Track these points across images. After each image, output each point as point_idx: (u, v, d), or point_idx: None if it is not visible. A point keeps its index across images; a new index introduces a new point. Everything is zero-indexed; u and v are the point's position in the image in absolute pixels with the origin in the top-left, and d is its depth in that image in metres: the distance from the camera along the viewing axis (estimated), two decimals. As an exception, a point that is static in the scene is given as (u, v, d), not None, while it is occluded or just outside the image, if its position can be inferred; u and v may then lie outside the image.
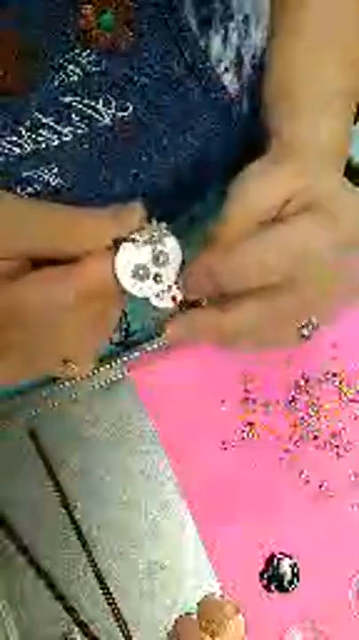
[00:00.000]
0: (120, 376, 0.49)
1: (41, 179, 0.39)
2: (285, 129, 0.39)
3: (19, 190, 0.40)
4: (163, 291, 0.32)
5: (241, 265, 0.31)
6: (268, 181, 0.33)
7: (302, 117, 0.39)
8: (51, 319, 0.30)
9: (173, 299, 0.33)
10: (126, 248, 0.30)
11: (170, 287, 0.32)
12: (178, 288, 0.32)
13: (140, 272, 0.30)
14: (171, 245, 0.31)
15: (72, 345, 0.32)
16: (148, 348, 0.49)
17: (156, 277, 0.31)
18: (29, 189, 0.40)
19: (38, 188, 0.40)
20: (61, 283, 0.29)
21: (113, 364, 0.48)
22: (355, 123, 0.53)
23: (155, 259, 0.31)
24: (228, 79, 0.42)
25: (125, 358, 0.49)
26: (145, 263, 0.31)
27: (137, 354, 0.49)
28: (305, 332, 0.35)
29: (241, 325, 0.33)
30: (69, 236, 0.29)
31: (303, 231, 0.31)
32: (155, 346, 0.48)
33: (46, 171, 0.39)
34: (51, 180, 0.40)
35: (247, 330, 0.33)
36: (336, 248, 0.31)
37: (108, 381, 0.48)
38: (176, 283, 0.32)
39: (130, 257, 0.30)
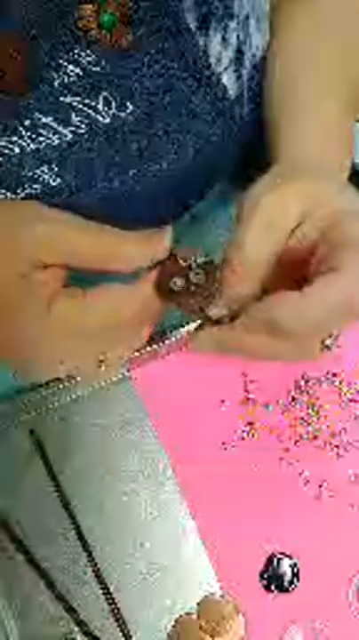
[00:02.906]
0: (120, 376, 0.49)
1: (41, 178, 0.39)
2: (292, 143, 0.39)
3: (19, 190, 0.40)
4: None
5: (306, 322, 0.31)
6: (280, 203, 0.32)
7: (311, 130, 0.40)
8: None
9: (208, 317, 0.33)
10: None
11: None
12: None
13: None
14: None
15: (109, 348, 0.34)
16: (149, 349, 0.49)
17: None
18: (29, 189, 0.40)
19: (38, 188, 0.40)
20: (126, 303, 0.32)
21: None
22: (354, 123, 0.54)
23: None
24: (228, 78, 0.42)
25: (126, 358, 0.49)
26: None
27: (137, 354, 0.49)
28: (328, 342, 0.35)
29: (268, 349, 0.33)
30: (115, 257, 0.32)
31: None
32: (156, 346, 0.48)
33: (46, 170, 0.39)
34: (51, 179, 0.40)
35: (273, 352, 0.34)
36: None
37: (108, 381, 0.48)
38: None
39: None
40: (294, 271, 0.33)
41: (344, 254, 0.31)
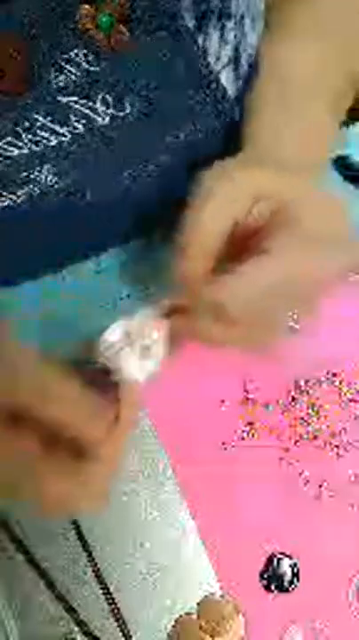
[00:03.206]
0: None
1: (39, 179, 0.39)
2: (261, 134, 0.39)
3: (18, 191, 0.40)
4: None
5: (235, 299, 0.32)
6: (234, 184, 0.33)
7: (279, 125, 0.40)
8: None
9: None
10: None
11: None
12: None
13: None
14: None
15: None
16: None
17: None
18: (28, 190, 0.40)
19: (37, 189, 0.40)
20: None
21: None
22: (354, 123, 0.54)
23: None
24: (226, 77, 0.42)
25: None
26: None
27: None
28: (293, 324, 0.36)
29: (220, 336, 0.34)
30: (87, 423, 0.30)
31: (290, 264, 0.32)
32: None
33: (45, 171, 0.39)
34: (49, 180, 0.40)
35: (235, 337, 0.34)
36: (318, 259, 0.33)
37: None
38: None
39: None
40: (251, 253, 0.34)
41: (279, 237, 0.32)
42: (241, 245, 0.34)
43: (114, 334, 0.33)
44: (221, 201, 0.33)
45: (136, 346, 0.33)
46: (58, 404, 0.30)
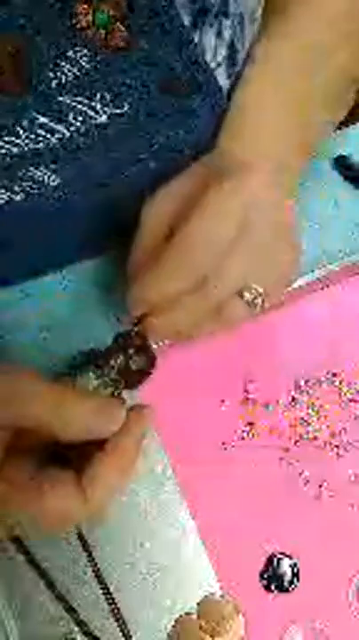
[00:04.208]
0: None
1: (39, 178, 0.39)
2: (240, 134, 0.41)
3: (16, 189, 0.40)
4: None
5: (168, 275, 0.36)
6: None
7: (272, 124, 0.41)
8: None
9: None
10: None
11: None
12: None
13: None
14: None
15: None
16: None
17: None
18: (27, 189, 0.40)
19: (35, 188, 0.40)
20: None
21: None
22: (354, 123, 0.54)
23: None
24: (221, 74, 0.41)
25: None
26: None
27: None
28: (249, 299, 0.37)
29: (177, 322, 0.37)
30: (54, 417, 0.31)
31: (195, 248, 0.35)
32: (155, 346, 0.48)
33: (44, 170, 0.39)
34: (48, 179, 0.40)
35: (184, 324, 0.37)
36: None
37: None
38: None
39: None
40: None
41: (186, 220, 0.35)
42: None
43: None
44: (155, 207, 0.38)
45: None
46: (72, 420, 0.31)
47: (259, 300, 0.37)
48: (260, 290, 0.37)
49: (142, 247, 0.38)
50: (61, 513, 0.31)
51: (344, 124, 0.51)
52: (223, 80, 0.42)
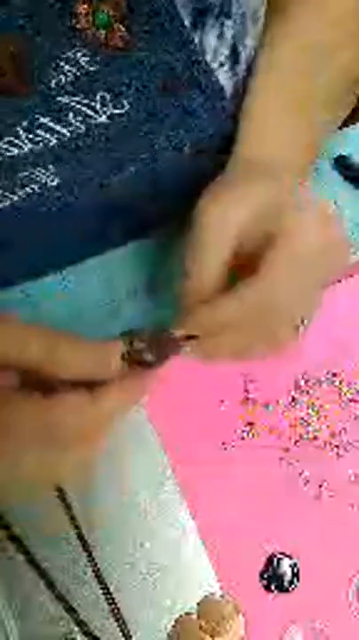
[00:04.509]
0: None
1: (39, 179, 0.39)
2: (249, 141, 0.41)
3: (17, 190, 0.40)
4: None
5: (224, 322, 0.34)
6: (234, 209, 0.35)
7: (267, 130, 0.41)
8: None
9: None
10: None
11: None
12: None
13: None
14: None
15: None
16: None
17: None
18: (27, 190, 0.40)
19: (36, 189, 0.40)
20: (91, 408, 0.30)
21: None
22: (354, 123, 0.54)
23: None
24: (224, 76, 0.41)
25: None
26: None
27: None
28: (298, 324, 0.37)
29: (232, 345, 0.36)
30: (49, 361, 0.30)
31: (280, 285, 0.34)
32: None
33: (44, 170, 0.39)
34: (48, 180, 0.40)
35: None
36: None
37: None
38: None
39: None
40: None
41: (270, 254, 0.33)
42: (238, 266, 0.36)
43: None
44: (223, 223, 0.34)
45: None
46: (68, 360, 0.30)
47: (304, 324, 0.37)
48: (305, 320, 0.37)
49: (210, 259, 0.35)
50: (75, 413, 0.30)
51: (344, 124, 0.51)
52: (226, 80, 0.42)
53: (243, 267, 0.35)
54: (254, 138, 0.42)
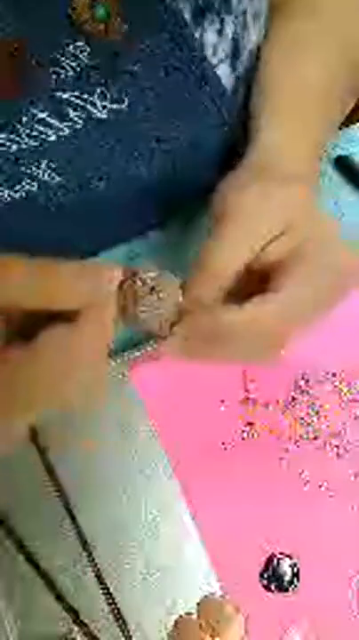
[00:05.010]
0: (120, 376, 0.49)
1: (39, 175, 0.39)
2: (270, 132, 0.39)
3: (17, 188, 0.39)
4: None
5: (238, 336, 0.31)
6: (268, 208, 0.32)
7: (289, 121, 0.40)
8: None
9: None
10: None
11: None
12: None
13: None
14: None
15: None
16: (149, 348, 0.49)
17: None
18: (27, 187, 0.40)
19: (35, 186, 0.40)
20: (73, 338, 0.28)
21: (113, 363, 0.48)
22: (354, 123, 0.54)
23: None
24: (224, 72, 0.41)
25: (126, 358, 0.49)
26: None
27: (137, 353, 0.49)
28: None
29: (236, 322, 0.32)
30: (41, 290, 0.27)
31: (301, 298, 0.32)
32: (156, 346, 0.48)
33: (44, 167, 0.39)
34: (48, 176, 0.40)
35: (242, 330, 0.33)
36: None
37: (108, 381, 0.48)
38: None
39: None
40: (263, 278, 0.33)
41: (291, 271, 0.32)
42: (253, 279, 0.33)
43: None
44: (247, 228, 0.32)
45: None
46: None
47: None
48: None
49: (231, 256, 0.32)
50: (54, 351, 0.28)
51: (344, 124, 0.51)
52: (227, 76, 0.42)
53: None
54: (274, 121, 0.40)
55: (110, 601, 0.43)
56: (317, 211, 0.34)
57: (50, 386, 0.28)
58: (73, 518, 0.45)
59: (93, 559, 0.44)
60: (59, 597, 0.44)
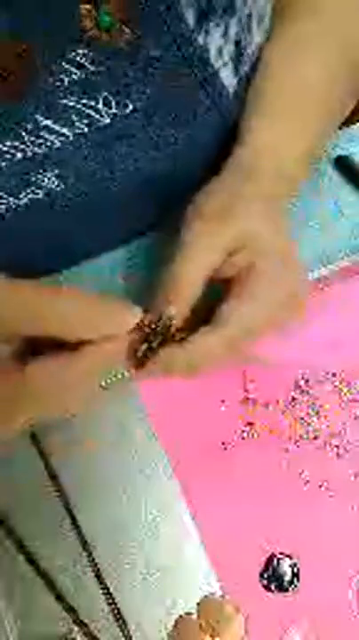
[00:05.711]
0: (120, 376, 0.49)
1: (43, 182, 0.39)
2: (261, 133, 0.41)
3: (22, 195, 0.39)
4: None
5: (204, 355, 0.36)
6: (213, 244, 0.36)
7: (265, 135, 0.41)
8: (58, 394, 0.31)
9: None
10: None
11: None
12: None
13: None
14: None
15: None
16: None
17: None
18: (32, 194, 0.40)
19: (40, 193, 0.40)
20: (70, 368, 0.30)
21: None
22: (354, 123, 0.54)
23: None
24: (227, 75, 0.41)
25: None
26: None
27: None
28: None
29: (208, 351, 0.36)
30: (62, 322, 0.30)
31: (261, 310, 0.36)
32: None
33: (49, 174, 0.39)
34: (52, 182, 0.40)
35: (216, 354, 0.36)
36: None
37: (109, 381, 0.48)
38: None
39: None
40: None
41: (245, 286, 0.36)
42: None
43: None
44: (203, 251, 0.36)
45: None
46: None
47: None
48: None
49: (189, 278, 0.36)
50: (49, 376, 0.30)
51: (344, 124, 0.51)
52: (230, 79, 0.42)
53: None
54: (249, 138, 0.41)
55: (110, 601, 0.43)
56: (279, 227, 0.38)
57: (44, 402, 0.31)
58: (73, 518, 0.45)
59: (93, 559, 0.44)
60: (59, 597, 0.44)
